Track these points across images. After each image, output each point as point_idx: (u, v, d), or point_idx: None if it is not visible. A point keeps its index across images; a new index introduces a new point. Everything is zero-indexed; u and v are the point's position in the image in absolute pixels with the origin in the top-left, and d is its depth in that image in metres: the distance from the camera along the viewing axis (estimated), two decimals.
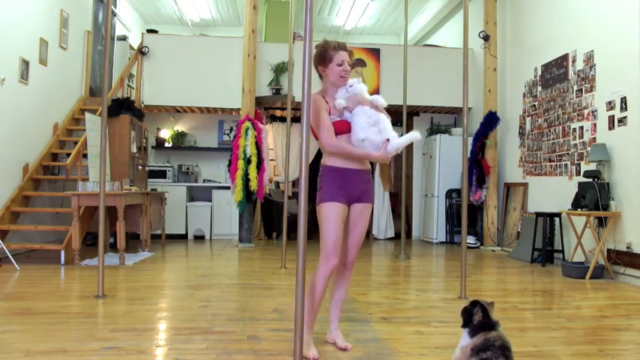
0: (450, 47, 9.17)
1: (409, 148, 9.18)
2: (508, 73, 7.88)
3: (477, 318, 2.17)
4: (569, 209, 5.69)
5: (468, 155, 6.18)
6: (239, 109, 8.01)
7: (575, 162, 6.11)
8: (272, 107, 9.23)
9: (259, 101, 8.26)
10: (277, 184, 9.79)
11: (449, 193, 8.56)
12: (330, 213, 2.65)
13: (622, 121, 5.32)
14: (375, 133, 2.66)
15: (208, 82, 8.23)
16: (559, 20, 6.55)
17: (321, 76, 2.82)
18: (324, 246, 2.66)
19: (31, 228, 6.18)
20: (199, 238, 8.74)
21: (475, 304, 2.20)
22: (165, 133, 9.21)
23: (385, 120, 2.72)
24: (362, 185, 2.76)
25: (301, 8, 8.91)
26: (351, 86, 2.70)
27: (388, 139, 2.66)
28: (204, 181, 9.25)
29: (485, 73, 8.01)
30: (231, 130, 9.32)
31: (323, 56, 2.75)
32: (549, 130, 6.72)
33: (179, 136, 9.21)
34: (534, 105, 7.12)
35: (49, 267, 5.51)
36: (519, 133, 7.52)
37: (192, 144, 9.33)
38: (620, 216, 5.26)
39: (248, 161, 7.33)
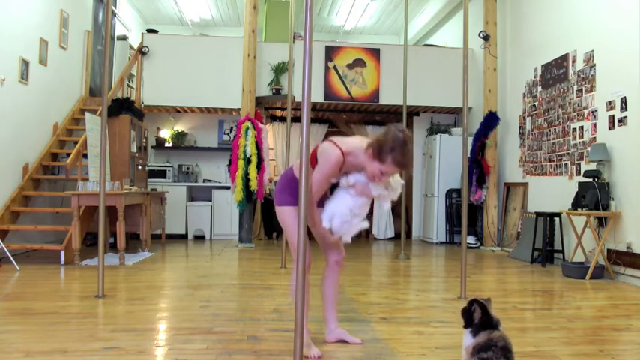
0: (450, 47, 9.17)
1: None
2: (508, 73, 7.88)
3: (477, 315, 2.16)
4: (569, 209, 5.69)
5: (468, 155, 6.19)
6: (239, 109, 8.01)
7: (575, 162, 6.11)
8: (272, 107, 9.23)
9: (259, 101, 8.27)
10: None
11: (449, 193, 8.56)
12: (292, 215, 2.66)
13: (622, 121, 5.32)
14: (347, 225, 2.64)
15: (208, 82, 8.23)
16: (559, 20, 6.56)
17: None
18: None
19: (31, 228, 6.18)
20: (199, 238, 8.74)
21: (472, 302, 2.20)
22: (166, 133, 9.21)
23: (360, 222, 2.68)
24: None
25: (301, 8, 8.91)
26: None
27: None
28: (204, 181, 9.25)
29: (485, 73, 8.02)
30: (231, 130, 9.32)
31: (382, 149, 2.46)
32: (549, 130, 6.72)
33: (179, 136, 9.21)
34: (534, 105, 7.12)
35: (49, 267, 5.50)
36: (519, 133, 7.53)
37: (192, 144, 9.33)
38: (620, 216, 5.26)
39: (248, 161, 7.33)
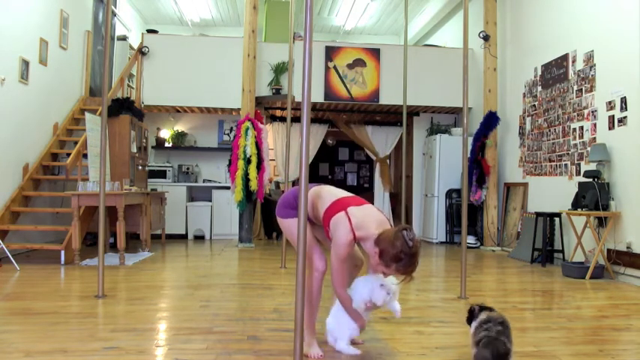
0: (450, 47, 9.17)
1: (409, 148, 9.18)
2: (508, 73, 7.88)
3: (477, 309, 2.60)
4: (569, 209, 5.69)
5: (468, 155, 6.18)
6: (239, 109, 8.01)
7: (575, 162, 6.11)
8: (272, 107, 9.23)
9: (259, 101, 8.27)
10: (277, 184, 9.79)
11: (449, 193, 8.56)
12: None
13: (622, 121, 5.32)
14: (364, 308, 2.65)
15: (208, 82, 8.23)
16: (559, 20, 6.56)
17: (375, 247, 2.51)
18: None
19: (31, 228, 6.18)
20: (199, 238, 8.74)
21: (470, 307, 2.66)
22: (166, 133, 9.21)
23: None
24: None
25: (301, 8, 8.92)
26: (388, 294, 2.59)
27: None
28: (204, 181, 9.25)
29: (485, 73, 8.02)
30: (231, 130, 9.32)
31: (389, 257, 2.44)
32: (549, 130, 6.72)
33: (179, 136, 9.21)
34: (534, 105, 7.12)
35: (49, 267, 5.50)
36: (519, 133, 7.53)
37: (192, 144, 9.33)
38: (620, 216, 5.26)
39: (248, 161, 7.33)
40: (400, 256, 2.41)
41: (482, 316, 2.51)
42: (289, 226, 2.74)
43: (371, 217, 2.58)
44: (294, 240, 2.71)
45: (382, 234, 2.49)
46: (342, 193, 2.71)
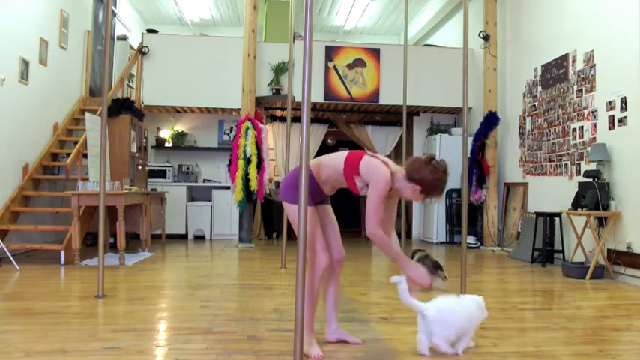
0: (450, 47, 9.17)
1: (409, 148, 9.18)
2: (508, 73, 7.88)
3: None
4: (569, 209, 5.69)
5: (468, 155, 6.18)
6: (239, 109, 8.01)
7: (575, 162, 6.11)
8: (272, 107, 9.23)
9: (259, 101, 8.27)
10: (277, 184, 9.78)
11: (449, 193, 8.56)
12: (310, 215, 2.70)
13: (622, 121, 5.32)
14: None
15: (208, 82, 8.23)
16: (559, 20, 6.56)
17: (408, 179, 2.62)
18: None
19: (31, 228, 6.18)
20: (199, 238, 8.74)
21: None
22: (166, 133, 9.21)
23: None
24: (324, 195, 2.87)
25: (301, 8, 8.91)
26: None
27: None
28: (204, 181, 9.25)
29: (485, 73, 8.02)
30: (231, 130, 9.32)
31: (428, 181, 2.59)
32: (549, 130, 6.72)
33: (179, 136, 9.21)
34: (534, 105, 7.12)
35: (49, 267, 5.50)
36: (519, 133, 7.53)
37: (192, 144, 9.33)
38: (620, 216, 5.26)
39: (248, 161, 7.33)
40: (438, 183, 2.61)
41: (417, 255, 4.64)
42: (295, 213, 2.69)
43: (387, 159, 2.73)
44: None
45: (414, 165, 2.62)
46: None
